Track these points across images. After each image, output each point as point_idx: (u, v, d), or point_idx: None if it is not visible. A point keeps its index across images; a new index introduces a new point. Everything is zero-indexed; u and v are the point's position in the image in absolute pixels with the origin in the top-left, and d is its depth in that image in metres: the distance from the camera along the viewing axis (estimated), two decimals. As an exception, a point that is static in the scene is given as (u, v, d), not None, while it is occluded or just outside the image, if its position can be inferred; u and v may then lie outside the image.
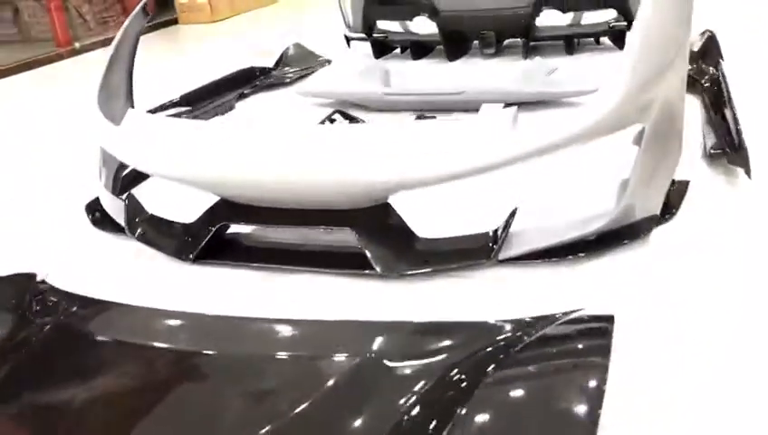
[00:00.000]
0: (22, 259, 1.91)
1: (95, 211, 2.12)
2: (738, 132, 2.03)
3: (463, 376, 1.12)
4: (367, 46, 4.09)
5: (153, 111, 3.13)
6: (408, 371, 1.18)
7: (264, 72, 3.81)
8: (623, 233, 1.72)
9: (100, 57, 5.32)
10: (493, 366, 1.13)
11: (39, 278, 1.74)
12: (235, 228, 1.85)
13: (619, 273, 1.62)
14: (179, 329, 1.38)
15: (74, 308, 1.52)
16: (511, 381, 1.12)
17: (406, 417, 1.05)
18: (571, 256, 1.65)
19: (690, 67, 2.43)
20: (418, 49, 3.97)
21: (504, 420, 1.06)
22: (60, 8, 5.77)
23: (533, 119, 2.42)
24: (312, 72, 3.93)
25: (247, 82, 3.65)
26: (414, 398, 1.08)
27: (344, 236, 1.67)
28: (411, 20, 3.88)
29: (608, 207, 1.71)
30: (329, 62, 4.11)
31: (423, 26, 3.87)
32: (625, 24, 3.57)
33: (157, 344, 1.34)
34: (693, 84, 2.52)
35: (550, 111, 2.74)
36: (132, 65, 2.50)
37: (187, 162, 1.76)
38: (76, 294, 1.62)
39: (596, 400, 1.07)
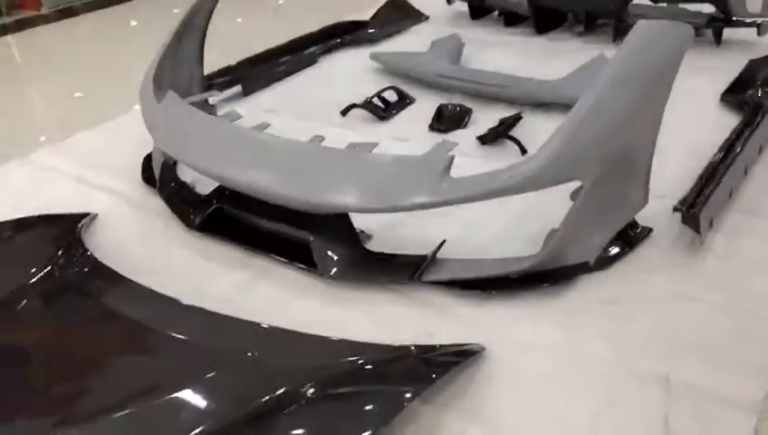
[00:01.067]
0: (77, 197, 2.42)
1: (147, 166, 2.57)
2: (705, 193, 2.05)
3: (288, 386, 1.42)
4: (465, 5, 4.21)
5: (244, 63, 3.53)
6: (249, 369, 1.52)
7: (358, 25, 4.05)
8: (547, 276, 1.89)
9: None
10: (312, 383, 1.41)
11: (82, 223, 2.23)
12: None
13: (523, 315, 1.81)
14: (136, 301, 1.79)
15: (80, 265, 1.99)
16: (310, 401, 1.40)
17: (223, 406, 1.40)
18: (491, 291, 1.87)
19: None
20: (511, 17, 4.01)
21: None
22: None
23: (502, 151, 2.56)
24: (405, 29, 4.12)
25: (337, 36, 3.93)
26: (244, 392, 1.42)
27: (304, 235, 1.99)
28: (506, -13, 3.93)
29: (536, 251, 1.89)
30: (427, 18, 4.27)
31: (518, -5, 3.91)
32: (724, 20, 3.43)
33: (115, 311, 1.77)
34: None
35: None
36: (204, 36, 2.84)
37: (190, 151, 2.14)
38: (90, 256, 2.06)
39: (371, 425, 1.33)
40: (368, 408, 1.41)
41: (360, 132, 2.84)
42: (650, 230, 2.07)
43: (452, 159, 1.81)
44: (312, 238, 1.95)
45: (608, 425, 1.48)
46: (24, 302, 1.79)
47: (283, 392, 1.41)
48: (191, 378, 1.49)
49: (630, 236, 2.04)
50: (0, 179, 2.68)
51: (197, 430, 1.33)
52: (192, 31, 2.78)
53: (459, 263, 1.92)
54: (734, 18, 3.40)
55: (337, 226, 1.97)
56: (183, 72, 2.77)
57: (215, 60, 3.20)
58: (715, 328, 1.73)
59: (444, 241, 1.92)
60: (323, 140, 2.21)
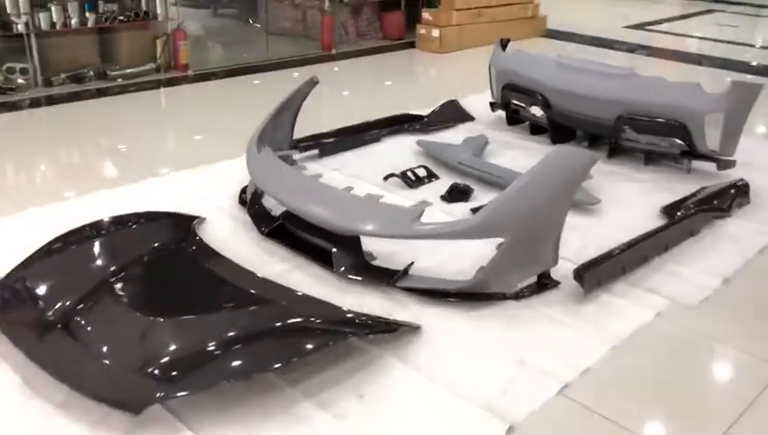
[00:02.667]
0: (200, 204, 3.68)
1: (242, 193, 3.81)
2: (597, 263, 3.06)
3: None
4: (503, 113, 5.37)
5: (326, 134, 4.79)
6: (281, 307, 2.67)
7: (417, 118, 5.27)
8: (475, 296, 2.94)
9: (345, 65, 7.21)
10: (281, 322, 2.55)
11: (196, 221, 3.47)
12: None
13: (452, 313, 2.86)
14: (224, 267, 2.99)
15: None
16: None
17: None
18: (438, 298, 2.94)
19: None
20: (536, 128, 5.12)
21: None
22: (329, 20, 7.71)
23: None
24: (454, 126, 5.30)
25: (401, 123, 5.15)
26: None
27: (329, 246, 3.14)
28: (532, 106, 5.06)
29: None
30: (473, 119, 5.44)
31: (541, 112, 5.02)
32: (691, 153, 4.41)
33: (211, 271, 2.98)
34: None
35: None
36: (298, 111, 4.11)
37: (272, 186, 3.35)
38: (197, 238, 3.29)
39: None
40: (345, 330, 2.57)
41: (391, 193, 4.00)
42: (558, 283, 3.09)
43: (423, 211, 2.93)
44: (333, 250, 3.09)
45: (490, 371, 2.52)
46: (159, 258, 3.01)
47: (297, 318, 2.56)
48: (251, 305, 2.69)
49: (543, 284, 3.07)
50: (143, 191, 3.99)
51: (252, 329, 2.49)
52: (290, 106, 4.06)
53: (421, 278, 3.02)
54: (700, 153, 4.38)
55: (351, 244, 3.10)
56: (279, 135, 4.04)
57: (310, 129, 4.51)
58: (565, 339, 2.75)
59: (412, 262, 3.04)
60: (353, 189, 3.38)
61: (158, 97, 6.13)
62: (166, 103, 6.09)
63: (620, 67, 4.85)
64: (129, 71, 6.27)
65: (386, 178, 4.20)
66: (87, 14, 6.02)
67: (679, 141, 4.42)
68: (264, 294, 2.78)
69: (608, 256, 3.17)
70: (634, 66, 4.76)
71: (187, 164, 4.42)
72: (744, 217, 3.88)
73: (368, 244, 3.20)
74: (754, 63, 7.87)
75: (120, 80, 6.19)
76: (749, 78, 7.09)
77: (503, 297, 2.97)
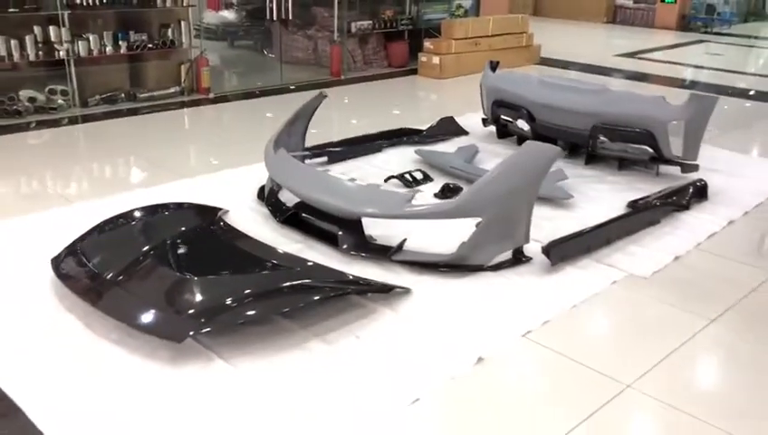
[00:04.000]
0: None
1: (261, 190, 4.39)
2: (563, 241, 3.61)
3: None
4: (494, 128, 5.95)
5: (335, 143, 5.39)
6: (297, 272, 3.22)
7: (416, 132, 5.85)
8: (458, 267, 3.47)
9: (352, 89, 7.83)
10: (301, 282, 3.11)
11: (221, 212, 4.04)
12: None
13: (440, 280, 3.40)
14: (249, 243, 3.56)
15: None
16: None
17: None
18: (431, 269, 3.47)
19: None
20: (523, 139, 5.66)
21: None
22: (338, 49, 8.37)
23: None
24: (449, 139, 5.87)
25: (401, 135, 5.74)
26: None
27: (335, 229, 3.69)
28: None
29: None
30: (466, 133, 6.01)
31: (526, 125, 5.59)
32: (658, 158, 4.95)
33: (237, 246, 3.54)
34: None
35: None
36: (309, 122, 4.70)
37: (286, 179, 3.92)
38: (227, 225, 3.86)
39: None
40: (347, 288, 3.13)
41: (391, 193, 4.56)
42: (530, 258, 3.62)
43: (414, 195, 3.48)
44: (339, 232, 3.65)
45: (465, 321, 3.05)
46: (192, 234, 3.59)
47: (306, 279, 3.11)
48: (268, 269, 3.26)
49: (517, 259, 3.61)
50: (173, 190, 4.57)
51: (267, 285, 3.05)
52: (302, 117, 4.65)
53: (413, 252, 3.56)
54: (666, 158, 4.91)
55: (354, 227, 3.65)
56: (292, 141, 4.62)
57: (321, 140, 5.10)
58: (532, 300, 3.29)
59: (405, 239, 3.58)
60: (356, 180, 3.94)
61: (182, 116, 6.76)
62: (189, 121, 6.72)
63: (594, 83, 5.43)
64: (156, 93, 6.92)
65: (386, 179, 4.76)
66: (120, 43, 6.69)
67: (647, 148, 4.97)
68: (281, 262, 3.33)
69: (574, 235, 3.71)
70: (606, 82, 5.34)
71: (211, 169, 5.01)
72: (701, 211, 4.41)
73: (369, 228, 3.75)
74: (735, 86, 8.46)
75: (148, 102, 6.83)
76: (729, 100, 7.68)
77: (481, 269, 3.50)
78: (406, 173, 4.82)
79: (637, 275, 3.58)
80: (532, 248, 3.62)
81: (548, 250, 3.53)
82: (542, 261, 3.58)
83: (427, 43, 8.65)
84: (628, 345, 3.02)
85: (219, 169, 5.00)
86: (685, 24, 14.18)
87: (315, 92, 4.73)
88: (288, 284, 3.09)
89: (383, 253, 3.57)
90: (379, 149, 5.51)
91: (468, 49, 8.66)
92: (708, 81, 8.84)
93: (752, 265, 3.74)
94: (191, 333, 2.75)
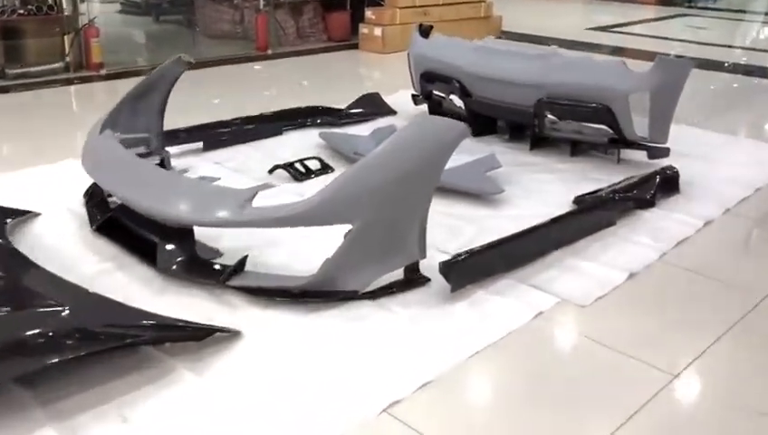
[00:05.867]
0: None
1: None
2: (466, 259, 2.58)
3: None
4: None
5: (216, 124, 4.33)
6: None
7: (331, 111, 4.80)
8: (320, 294, 2.44)
9: (276, 65, 6.75)
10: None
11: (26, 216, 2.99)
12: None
13: (287, 317, 2.37)
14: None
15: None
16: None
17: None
18: (279, 299, 2.44)
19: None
20: (458, 120, 4.62)
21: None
22: (264, 19, 7.28)
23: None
24: (374, 119, 4.82)
25: (311, 115, 4.69)
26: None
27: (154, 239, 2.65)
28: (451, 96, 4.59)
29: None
30: (394, 113, 4.97)
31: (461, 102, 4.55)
32: (620, 141, 3.93)
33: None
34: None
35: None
36: (167, 96, 3.55)
37: (94, 170, 2.87)
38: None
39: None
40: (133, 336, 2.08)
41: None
42: (428, 279, 2.59)
43: (254, 194, 2.44)
44: (158, 242, 2.60)
45: (309, 392, 2.03)
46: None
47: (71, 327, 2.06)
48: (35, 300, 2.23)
49: (409, 280, 2.58)
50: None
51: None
52: (154, 89, 3.53)
53: (258, 275, 2.52)
54: (629, 140, 3.90)
55: (183, 236, 2.61)
56: (140, 122, 3.51)
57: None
58: (415, 347, 2.26)
59: (246, 256, 2.54)
60: (186, 171, 2.89)
61: (56, 95, 5.62)
62: (59, 103, 5.51)
63: (541, 47, 4.39)
64: (33, 69, 5.81)
65: (271, 170, 3.71)
66: (-17, 7, 5.59)
67: (606, 128, 3.95)
68: (45, 296, 2.28)
69: (488, 247, 2.68)
70: (556, 46, 4.32)
71: (48, 159, 3.91)
72: (670, 208, 3.39)
73: (218, 238, 2.72)
74: (718, 60, 7.44)
75: (21, 79, 5.72)
76: (712, 74, 6.67)
77: (355, 296, 2.47)
78: (297, 162, 3.76)
79: (573, 301, 2.55)
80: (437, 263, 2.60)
81: (447, 270, 2.49)
82: (445, 283, 2.56)
83: (369, 13, 7.56)
84: (558, 423, 2.00)
85: (59, 158, 3.91)
86: (668, -3, 13.18)
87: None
88: (37, 332, 2.04)
89: (217, 275, 2.54)
90: (278, 132, 4.46)
91: (416, 19, 7.54)
92: (688, 54, 7.81)
93: (737, 285, 2.73)
94: None
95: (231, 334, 2.24)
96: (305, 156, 3.88)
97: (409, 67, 4.84)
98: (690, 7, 12.72)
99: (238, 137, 4.23)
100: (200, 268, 2.57)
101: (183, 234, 2.60)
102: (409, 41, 4.83)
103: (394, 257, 2.52)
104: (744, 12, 12.44)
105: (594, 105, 3.82)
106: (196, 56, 6.38)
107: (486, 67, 4.22)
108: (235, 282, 2.49)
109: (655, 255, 2.92)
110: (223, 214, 2.40)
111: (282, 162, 3.77)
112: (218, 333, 2.22)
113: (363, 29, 7.58)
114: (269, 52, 7.26)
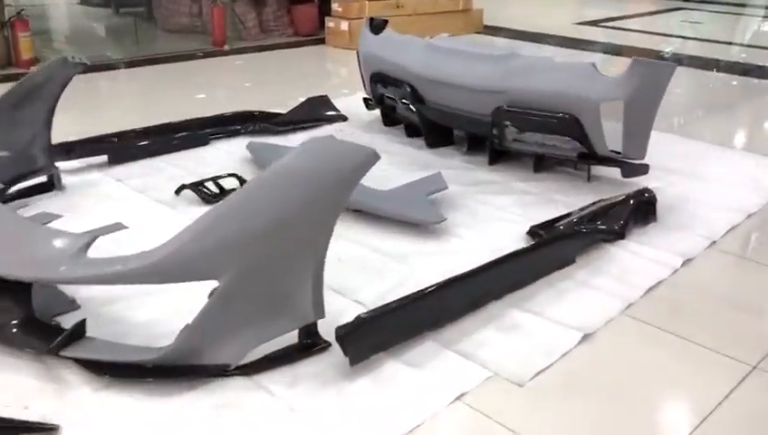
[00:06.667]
0: None
1: None
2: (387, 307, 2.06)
3: None
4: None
5: (149, 130, 3.77)
6: None
7: (269, 116, 4.23)
8: (179, 370, 1.90)
9: (233, 63, 6.18)
10: None
11: None
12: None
13: (137, 404, 1.83)
14: None
15: None
16: None
17: None
18: (108, 375, 1.89)
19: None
20: (413, 129, 4.07)
21: None
22: (220, 11, 6.70)
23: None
24: (319, 126, 4.27)
25: (245, 122, 4.12)
26: None
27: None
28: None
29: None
30: (344, 119, 4.41)
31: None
32: (590, 157, 3.38)
33: None
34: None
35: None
36: (54, 104, 3.00)
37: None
38: None
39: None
40: None
41: (177, 211, 2.98)
42: (328, 344, 2.05)
43: (89, 242, 1.89)
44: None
45: None
46: None
47: None
48: None
49: (304, 346, 2.04)
50: None
51: None
52: (37, 97, 2.97)
53: (103, 344, 1.97)
54: (601, 155, 3.35)
55: (19, 291, 2.06)
56: (21, 135, 2.97)
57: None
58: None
59: (84, 320, 1.98)
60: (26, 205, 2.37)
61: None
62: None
63: (501, 48, 3.83)
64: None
65: (177, 191, 3.17)
66: None
67: (574, 142, 3.40)
68: None
69: (403, 302, 2.12)
70: (516, 46, 3.75)
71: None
72: (643, 241, 2.83)
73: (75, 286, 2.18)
74: (714, 58, 6.87)
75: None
76: (705, 74, 6.11)
77: (224, 372, 1.93)
78: (209, 180, 3.22)
79: (508, 377, 2.00)
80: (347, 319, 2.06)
81: (344, 338, 1.94)
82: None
83: (335, 5, 6.99)
84: None
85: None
86: (664, -9, 12.57)
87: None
88: None
89: (47, 343, 1.97)
90: (204, 142, 3.90)
91: (387, 12, 6.97)
92: (683, 52, 7.24)
93: (724, 352, 2.16)
94: None
95: (45, 432, 1.70)
96: (228, 171, 3.33)
97: (359, 66, 4.29)
98: (688, 0, 12.14)
99: (154, 148, 3.67)
100: (33, 332, 2.02)
101: (21, 288, 2.06)
102: (359, 37, 4.28)
103: (278, 320, 1.97)
104: (743, 6, 11.86)
105: (560, 115, 3.26)
106: (148, 51, 5.76)
107: (438, 69, 3.66)
108: (70, 352, 1.94)
109: (618, 306, 2.36)
110: (38, 268, 1.86)
111: (199, 178, 3.23)
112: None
113: (329, 23, 7.01)
114: (226, 47, 6.68)
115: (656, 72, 3.13)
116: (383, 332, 2.04)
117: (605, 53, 6.96)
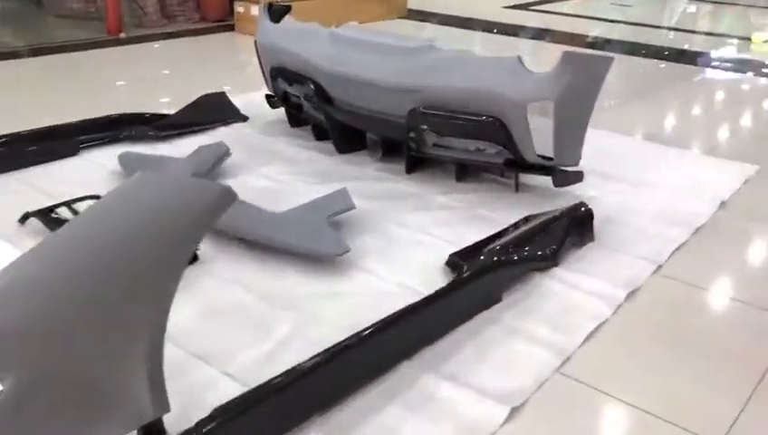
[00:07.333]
0: None
1: None
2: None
3: None
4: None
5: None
6: None
7: (152, 118, 3.65)
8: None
9: (127, 53, 5.53)
10: None
11: None
12: None
13: None
14: None
15: None
16: None
17: None
18: None
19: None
20: (323, 131, 3.55)
21: None
22: (115, -3, 6.02)
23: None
24: (211, 128, 3.71)
25: (123, 126, 3.53)
26: None
27: None
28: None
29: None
30: (244, 119, 3.87)
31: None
32: (518, 164, 2.95)
33: None
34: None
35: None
36: None
37: None
38: None
39: None
40: None
41: (20, 249, 2.39)
42: (179, 444, 1.55)
43: None
44: None
45: None
46: None
47: None
48: None
49: (144, 451, 1.53)
50: None
51: None
52: None
53: None
54: (529, 162, 2.92)
55: None
56: None
57: None
58: None
59: None
60: None
61: None
62: None
63: (415, 39, 3.36)
64: None
65: (21, 219, 2.58)
66: None
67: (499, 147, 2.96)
68: None
69: (280, 384, 1.63)
70: (434, 38, 3.28)
71: None
72: (581, 268, 2.41)
73: None
74: (643, 43, 6.57)
75: None
76: (633, 60, 5.79)
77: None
78: (62, 205, 2.63)
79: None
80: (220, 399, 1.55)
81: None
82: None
83: (245, -12, 6.40)
84: None
85: None
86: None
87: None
88: None
89: None
90: (72, 152, 3.30)
91: (302, -4, 6.45)
92: (610, 36, 6.93)
93: (682, 424, 1.76)
94: None
95: None
96: (90, 192, 2.74)
97: (258, 58, 3.75)
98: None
99: (5, 161, 3.06)
100: None
101: None
102: (258, 25, 3.73)
103: (102, 423, 1.46)
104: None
105: (482, 118, 2.82)
106: (33, 40, 5.01)
107: (344, 64, 3.15)
108: None
109: (552, 362, 1.92)
110: None
111: (53, 202, 2.65)
112: None
113: (239, 7, 6.38)
114: (122, 35, 5.99)
115: (589, 66, 2.70)
116: (251, 425, 1.55)
117: (534, 39, 6.60)
